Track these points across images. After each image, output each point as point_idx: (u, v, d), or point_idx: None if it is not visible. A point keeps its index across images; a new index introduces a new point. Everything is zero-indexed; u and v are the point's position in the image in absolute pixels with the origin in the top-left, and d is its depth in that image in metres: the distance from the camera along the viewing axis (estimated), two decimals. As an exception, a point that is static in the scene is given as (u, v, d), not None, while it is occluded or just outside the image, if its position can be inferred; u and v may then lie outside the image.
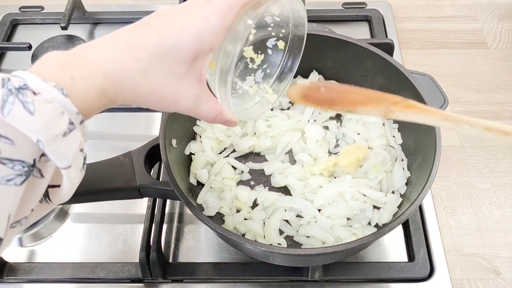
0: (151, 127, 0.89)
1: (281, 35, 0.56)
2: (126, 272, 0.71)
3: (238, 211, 0.70)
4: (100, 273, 0.71)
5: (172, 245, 0.74)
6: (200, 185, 0.73)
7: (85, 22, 1.06)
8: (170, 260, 0.73)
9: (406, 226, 0.74)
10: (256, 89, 0.58)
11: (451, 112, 0.88)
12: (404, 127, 0.75)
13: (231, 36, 0.45)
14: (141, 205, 0.78)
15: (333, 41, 0.74)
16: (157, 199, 0.73)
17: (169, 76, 0.43)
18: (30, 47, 0.96)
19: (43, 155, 0.37)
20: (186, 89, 0.45)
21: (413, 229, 0.73)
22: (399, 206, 0.68)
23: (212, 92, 0.49)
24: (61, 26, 0.95)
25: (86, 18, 1.06)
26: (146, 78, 0.42)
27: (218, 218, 0.70)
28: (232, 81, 0.46)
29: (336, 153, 0.76)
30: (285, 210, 0.69)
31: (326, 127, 0.78)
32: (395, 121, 0.77)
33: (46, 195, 0.41)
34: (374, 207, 0.69)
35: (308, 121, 0.78)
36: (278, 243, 0.67)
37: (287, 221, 0.69)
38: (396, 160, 0.74)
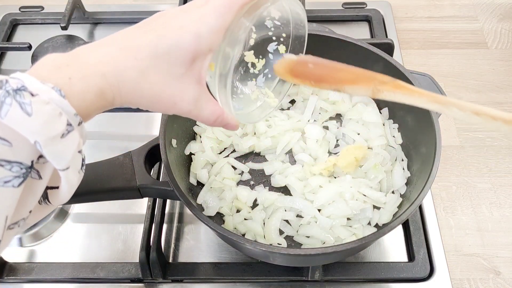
0: (151, 127, 0.89)
1: (281, 39, 0.56)
2: (126, 272, 0.71)
3: (238, 211, 0.70)
4: (100, 273, 0.71)
5: (172, 245, 0.74)
6: (200, 185, 0.73)
7: (85, 22, 1.06)
8: (170, 260, 0.73)
9: (406, 226, 0.74)
10: (258, 94, 0.57)
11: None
12: (405, 127, 0.75)
13: (230, 38, 0.45)
14: (141, 205, 0.78)
15: (333, 41, 0.74)
16: (157, 199, 0.73)
17: (168, 77, 0.43)
18: (30, 47, 0.96)
19: (41, 156, 0.37)
20: (185, 90, 0.44)
21: (413, 229, 0.73)
22: (399, 206, 0.68)
23: (212, 95, 0.48)
24: (61, 26, 0.95)
25: (86, 18, 1.06)
26: (144, 79, 0.41)
27: (218, 218, 0.70)
28: (231, 83, 0.46)
29: (336, 153, 0.76)
30: (285, 210, 0.69)
31: (326, 127, 0.78)
32: (395, 121, 0.77)
33: (45, 197, 0.41)
34: (374, 207, 0.69)
35: (308, 121, 0.78)
36: (278, 243, 0.67)
37: (287, 221, 0.69)
38: (396, 160, 0.74)
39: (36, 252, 0.74)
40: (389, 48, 0.88)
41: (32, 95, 0.34)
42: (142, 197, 0.65)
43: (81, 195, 0.59)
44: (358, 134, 0.77)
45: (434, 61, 0.99)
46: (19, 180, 0.35)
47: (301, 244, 0.68)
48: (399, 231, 0.75)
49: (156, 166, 0.77)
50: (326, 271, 0.69)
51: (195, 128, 0.76)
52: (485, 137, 0.87)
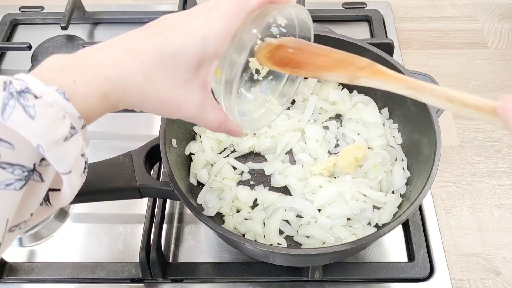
0: (151, 127, 0.89)
1: None
2: (126, 272, 0.71)
3: (238, 211, 0.70)
4: (100, 273, 0.71)
5: (172, 245, 0.74)
6: (200, 185, 0.73)
7: (85, 22, 1.06)
8: (170, 260, 0.73)
9: (406, 226, 0.74)
10: (261, 100, 0.57)
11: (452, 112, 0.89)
12: (405, 127, 0.75)
13: (237, 45, 0.44)
14: (141, 205, 0.78)
15: (333, 41, 0.74)
16: (157, 199, 0.73)
17: (173, 82, 0.42)
18: (30, 47, 0.96)
19: (43, 159, 0.36)
20: (190, 96, 0.44)
21: (413, 229, 0.73)
22: (399, 206, 0.68)
23: (217, 101, 0.48)
24: (61, 26, 0.95)
25: (86, 18, 1.06)
26: (149, 83, 0.41)
27: (218, 218, 0.70)
28: (237, 90, 0.46)
29: (336, 153, 0.76)
30: (285, 210, 0.69)
31: (326, 127, 0.78)
32: (395, 121, 0.77)
33: (46, 199, 0.41)
34: (374, 207, 0.69)
35: (308, 121, 0.78)
36: (278, 243, 0.67)
37: (287, 221, 0.69)
38: (396, 160, 0.74)
39: (36, 252, 0.74)
40: (389, 48, 0.88)
41: (36, 97, 0.34)
42: (142, 197, 0.65)
43: (81, 195, 0.59)
44: (358, 134, 0.77)
45: (434, 61, 0.99)
46: (21, 183, 0.35)
47: (301, 244, 0.68)
48: (399, 231, 0.75)
49: (156, 166, 0.77)
50: (326, 271, 0.69)
51: (195, 128, 0.77)
52: (485, 137, 0.87)
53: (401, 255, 0.73)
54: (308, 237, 0.67)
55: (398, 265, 0.70)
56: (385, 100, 0.77)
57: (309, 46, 0.50)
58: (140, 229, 0.74)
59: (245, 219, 0.69)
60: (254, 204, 0.71)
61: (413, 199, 0.61)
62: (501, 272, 0.72)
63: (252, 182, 0.74)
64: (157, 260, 0.68)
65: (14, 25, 1.07)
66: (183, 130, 0.74)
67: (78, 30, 1.04)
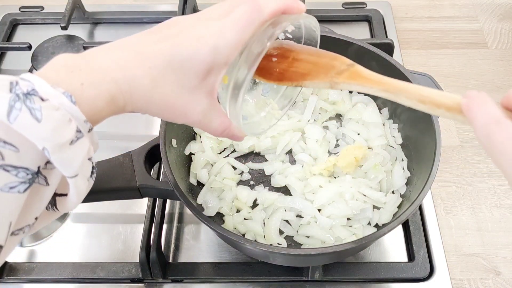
0: (151, 127, 0.89)
1: None
2: (126, 272, 0.71)
3: (238, 211, 0.70)
4: (100, 273, 0.71)
5: (172, 245, 0.74)
6: (200, 185, 0.73)
7: (85, 22, 1.06)
8: (170, 260, 0.73)
9: (406, 226, 0.74)
10: (262, 103, 0.57)
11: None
12: (405, 127, 0.75)
13: (247, 54, 0.44)
14: (141, 205, 0.78)
15: (333, 41, 0.74)
16: (157, 199, 0.73)
17: (180, 88, 0.42)
18: (30, 47, 0.96)
19: (48, 162, 0.36)
20: (197, 102, 0.44)
21: (413, 229, 0.73)
22: (399, 206, 0.68)
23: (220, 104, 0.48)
24: (61, 26, 0.95)
25: (86, 18, 1.06)
26: (157, 87, 0.41)
27: (218, 218, 0.70)
28: (243, 97, 0.46)
29: (336, 153, 0.76)
30: (285, 210, 0.69)
31: (326, 127, 0.78)
32: (395, 121, 0.77)
33: (53, 203, 0.40)
34: (374, 207, 0.69)
35: (308, 121, 0.78)
36: (278, 243, 0.67)
37: (287, 221, 0.69)
38: (396, 160, 0.74)
39: (36, 252, 0.74)
40: (389, 48, 0.88)
41: (42, 100, 0.34)
42: (142, 197, 0.65)
43: (81, 195, 0.59)
44: (358, 134, 0.77)
45: (434, 61, 0.99)
46: (25, 186, 0.35)
47: (301, 244, 0.68)
48: (399, 231, 0.75)
49: (156, 166, 0.77)
50: (326, 271, 0.69)
51: (195, 128, 0.77)
52: (485, 137, 0.86)
53: (401, 255, 0.73)
54: (308, 237, 0.67)
55: (398, 265, 0.70)
56: (385, 100, 0.77)
57: (291, 51, 0.49)
58: (140, 229, 0.74)
59: (245, 219, 0.69)
60: (254, 204, 0.71)
61: (413, 199, 0.61)
62: (501, 272, 0.72)
63: (252, 182, 0.74)
64: (157, 260, 0.68)
65: (14, 25, 1.07)
66: (183, 130, 0.74)
67: (78, 30, 1.04)
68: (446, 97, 0.39)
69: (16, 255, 0.74)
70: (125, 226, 0.77)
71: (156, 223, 0.71)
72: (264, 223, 0.68)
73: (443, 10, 1.08)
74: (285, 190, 0.73)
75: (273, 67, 0.48)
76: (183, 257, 0.73)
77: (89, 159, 0.37)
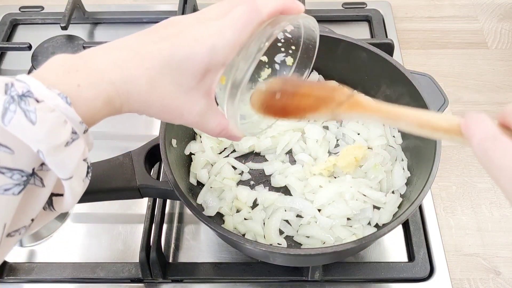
0: (151, 127, 0.89)
1: (290, 51, 0.55)
2: (126, 272, 0.71)
3: (238, 211, 0.70)
4: (100, 273, 0.71)
5: (172, 245, 0.74)
6: (200, 185, 0.73)
7: (85, 22, 1.06)
8: (170, 260, 0.73)
9: (406, 226, 0.74)
10: None
11: (452, 112, 0.89)
12: (404, 127, 0.75)
13: (245, 54, 0.44)
14: (141, 205, 0.78)
15: (333, 41, 0.74)
16: (157, 199, 0.73)
17: (177, 88, 0.42)
18: (30, 47, 0.96)
19: (44, 163, 0.36)
20: (194, 103, 0.44)
21: (413, 229, 0.73)
22: (399, 206, 0.68)
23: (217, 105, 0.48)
24: (61, 26, 0.95)
25: (86, 18, 1.06)
26: (154, 89, 0.40)
27: (218, 218, 0.70)
28: (240, 97, 0.46)
29: (336, 153, 0.76)
30: (285, 210, 0.69)
31: (326, 127, 0.78)
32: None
33: (50, 203, 0.40)
34: (374, 207, 0.69)
35: (308, 121, 0.78)
36: (278, 243, 0.67)
37: (287, 221, 0.69)
38: (396, 160, 0.74)
39: (36, 252, 0.74)
40: (389, 48, 0.88)
41: (37, 101, 0.33)
42: (142, 197, 0.65)
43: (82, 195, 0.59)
44: (358, 134, 0.77)
45: (434, 61, 0.99)
46: (19, 187, 0.35)
47: (301, 244, 0.68)
48: (399, 231, 0.75)
49: (156, 166, 0.77)
50: (326, 271, 0.69)
51: (195, 128, 0.76)
52: (485, 137, 0.86)
53: (401, 255, 0.73)
54: (308, 237, 0.67)
55: (398, 265, 0.70)
56: (385, 100, 0.77)
57: (293, 86, 0.50)
58: (140, 229, 0.74)
59: (245, 219, 0.69)
60: (254, 204, 0.71)
61: (413, 199, 0.61)
62: (501, 272, 0.72)
63: (252, 182, 0.74)
64: (157, 260, 0.68)
65: (14, 25, 1.07)
66: (183, 130, 0.74)
67: (78, 30, 1.04)
68: (444, 120, 0.40)
69: (16, 255, 0.74)
70: (125, 226, 0.77)
71: (156, 223, 0.71)
72: (264, 223, 0.68)
73: (443, 10, 1.08)
74: (285, 190, 0.73)
75: (277, 105, 0.49)
76: (183, 257, 0.73)
77: (84, 159, 0.37)
